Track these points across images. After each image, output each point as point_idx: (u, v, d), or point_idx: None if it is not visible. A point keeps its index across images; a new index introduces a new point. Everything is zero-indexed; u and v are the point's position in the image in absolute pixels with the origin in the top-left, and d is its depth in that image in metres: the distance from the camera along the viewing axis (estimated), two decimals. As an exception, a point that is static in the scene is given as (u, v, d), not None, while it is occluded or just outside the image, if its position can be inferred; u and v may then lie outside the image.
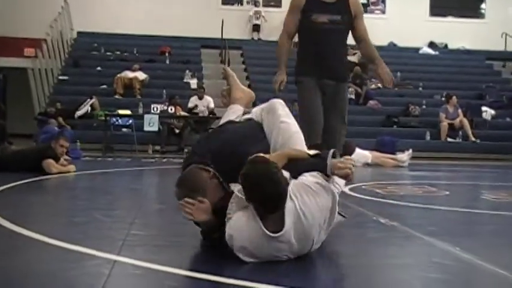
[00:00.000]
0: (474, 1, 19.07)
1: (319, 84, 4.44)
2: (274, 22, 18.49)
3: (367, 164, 9.73)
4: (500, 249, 3.07)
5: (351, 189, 5.65)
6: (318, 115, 4.39)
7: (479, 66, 17.29)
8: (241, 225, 2.61)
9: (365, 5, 18.64)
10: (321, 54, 4.44)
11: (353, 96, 14.94)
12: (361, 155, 9.85)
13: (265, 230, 2.56)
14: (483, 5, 19.25)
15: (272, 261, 2.57)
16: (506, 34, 17.23)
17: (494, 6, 18.74)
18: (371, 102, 14.68)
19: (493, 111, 14.76)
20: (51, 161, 6.69)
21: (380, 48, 16.39)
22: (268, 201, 2.55)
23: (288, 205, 2.61)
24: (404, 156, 10.11)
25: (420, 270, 2.72)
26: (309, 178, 2.73)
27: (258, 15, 18.45)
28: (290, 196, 2.63)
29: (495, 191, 5.81)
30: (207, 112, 13.37)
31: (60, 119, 12.27)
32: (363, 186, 6.12)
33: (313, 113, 4.40)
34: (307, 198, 2.66)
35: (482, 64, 17.41)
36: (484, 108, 14.62)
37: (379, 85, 14.87)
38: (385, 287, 2.54)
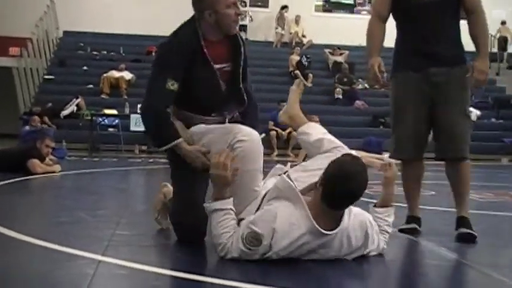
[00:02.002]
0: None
1: (422, 77, 3.41)
2: (261, 22, 18.56)
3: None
4: (485, 249, 3.09)
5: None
6: (407, 120, 3.45)
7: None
8: (285, 215, 2.55)
9: (351, 6, 18.73)
10: (421, 38, 3.46)
11: (340, 96, 15.01)
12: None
13: (316, 225, 2.53)
14: None
15: (256, 261, 2.56)
16: (491, 36, 17.36)
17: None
18: (358, 102, 14.74)
19: (478, 112, 14.87)
20: (36, 161, 6.64)
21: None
22: (349, 198, 2.54)
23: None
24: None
25: (406, 269, 2.72)
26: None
27: (245, 15, 18.43)
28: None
29: (481, 191, 5.84)
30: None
31: (46, 118, 12.20)
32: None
33: (400, 117, 3.49)
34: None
35: (467, 64, 17.50)
36: (469, 109, 14.70)
37: (366, 85, 14.96)
38: (371, 283, 2.54)
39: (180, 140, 2.92)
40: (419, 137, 3.44)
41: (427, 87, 3.38)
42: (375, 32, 3.56)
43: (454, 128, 3.37)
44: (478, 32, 3.38)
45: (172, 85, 2.88)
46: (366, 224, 2.68)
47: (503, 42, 18.31)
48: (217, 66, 2.97)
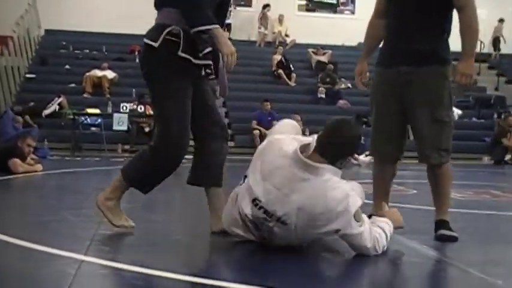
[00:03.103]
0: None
1: (393, 74, 3.29)
2: (244, 21, 18.55)
3: (369, 165, 9.80)
4: (465, 247, 3.11)
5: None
6: (379, 118, 3.40)
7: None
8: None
9: (334, 5, 18.79)
10: (396, 34, 3.32)
11: (323, 96, 15.05)
12: (363, 158, 10.03)
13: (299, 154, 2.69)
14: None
15: (244, 261, 2.56)
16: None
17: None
18: (340, 101, 14.78)
19: (459, 111, 14.99)
20: (17, 160, 6.59)
21: (350, 48, 16.65)
22: (339, 144, 2.75)
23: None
24: (366, 160, 10.18)
25: (388, 267, 2.74)
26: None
27: (229, 14, 18.39)
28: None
29: (462, 189, 5.88)
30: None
31: (27, 118, 12.09)
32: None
33: (374, 115, 3.45)
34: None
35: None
36: (447, 112, 14.80)
37: (349, 85, 15.01)
38: (354, 282, 2.55)
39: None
40: (390, 137, 3.35)
41: (398, 85, 3.26)
42: (369, 32, 3.52)
43: (421, 133, 3.26)
44: (463, 31, 3.21)
45: None
46: (346, 201, 2.69)
47: (497, 42, 18.54)
48: None
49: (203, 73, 3.12)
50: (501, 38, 18.58)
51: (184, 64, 3.00)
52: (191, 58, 3.01)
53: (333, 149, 2.75)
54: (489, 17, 18.05)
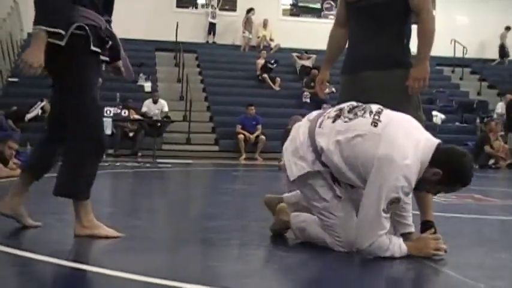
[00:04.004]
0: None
1: (352, 80, 3.33)
2: (229, 26, 18.57)
3: None
4: (448, 250, 3.12)
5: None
6: None
7: (429, 72, 17.67)
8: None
9: (319, 10, 18.87)
10: (355, 42, 3.37)
11: (308, 100, 15.09)
12: None
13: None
14: (433, 13, 19.73)
15: (226, 266, 2.55)
16: (454, 41, 17.68)
17: (443, 14, 19.21)
18: (325, 106, 14.78)
19: (443, 116, 15.13)
20: (-1, 164, 6.53)
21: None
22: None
23: None
24: None
25: (371, 269, 2.74)
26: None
27: (214, 15, 18.43)
28: None
29: (444, 193, 5.92)
30: (160, 116, 13.29)
31: (10, 122, 12.00)
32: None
33: None
34: None
35: (432, 69, 17.67)
36: (434, 113, 14.96)
37: (333, 89, 15.06)
38: (329, 283, 2.56)
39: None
40: None
41: (356, 91, 3.24)
42: (329, 42, 3.54)
43: None
44: (418, 35, 3.21)
45: None
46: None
47: (502, 49, 18.82)
48: None
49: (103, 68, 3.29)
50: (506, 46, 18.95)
51: (94, 57, 3.10)
52: (99, 51, 3.11)
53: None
54: (495, 25, 18.35)
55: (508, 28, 18.85)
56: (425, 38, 3.20)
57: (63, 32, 2.88)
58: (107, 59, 3.26)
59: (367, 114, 2.87)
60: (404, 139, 2.76)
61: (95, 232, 3.06)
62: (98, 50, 3.09)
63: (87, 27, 2.99)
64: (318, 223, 3.02)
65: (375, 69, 3.24)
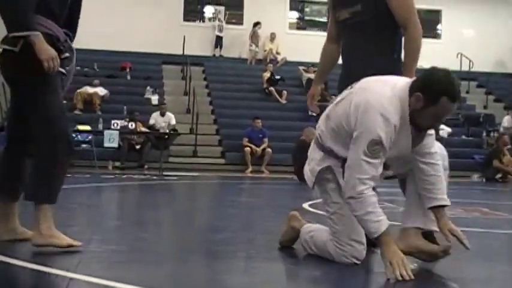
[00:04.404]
0: (431, 22, 19.52)
1: None
2: (236, 39, 18.64)
3: None
4: (453, 263, 3.10)
5: (310, 205, 5.68)
6: None
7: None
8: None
9: (325, 24, 18.91)
10: (347, 58, 3.48)
11: (314, 114, 15.08)
12: None
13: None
14: (439, 26, 19.80)
15: (230, 278, 2.53)
16: (461, 54, 17.70)
17: (450, 27, 19.29)
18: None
19: (449, 129, 15.10)
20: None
21: (340, 66, 16.83)
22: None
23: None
24: None
25: (378, 284, 2.73)
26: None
27: (221, 28, 18.51)
28: None
29: (451, 207, 5.88)
30: (167, 129, 13.33)
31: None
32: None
33: None
34: None
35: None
36: (440, 126, 14.93)
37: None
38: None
39: (39, 32, 2.86)
40: None
41: None
42: (321, 57, 3.64)
43: None
44: (405, 48, 3.28)
45: None
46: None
47: None
48: None
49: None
50: None
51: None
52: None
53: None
54: (502, 38, 18.37)
55: None
56: (412, 51, 3.22)
57: (39, 33, 2.86)
58: (63, 70, 3.13)
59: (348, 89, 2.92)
60: (378, 83, 2.76)
61: (54, 241, 2.97)
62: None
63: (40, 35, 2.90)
64: (325, 235, 3.01)
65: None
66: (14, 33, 2.85)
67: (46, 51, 2.85)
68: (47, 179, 3.01)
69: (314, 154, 2.99)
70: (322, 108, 3.72)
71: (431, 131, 2.85)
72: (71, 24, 3.21)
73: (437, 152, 2.90)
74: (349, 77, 3.32)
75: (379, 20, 3.26)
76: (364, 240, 2.92)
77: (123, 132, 12.28)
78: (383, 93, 2.68)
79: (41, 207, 3.02)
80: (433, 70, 2.71)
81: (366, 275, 2.84)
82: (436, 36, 19.76)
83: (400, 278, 2.53)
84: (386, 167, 2.83)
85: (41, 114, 2.99)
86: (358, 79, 3.22)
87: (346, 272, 2.85)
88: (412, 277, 2.54)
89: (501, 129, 15.09)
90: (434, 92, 2.63)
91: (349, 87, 2.93)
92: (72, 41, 3.23)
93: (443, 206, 2.86)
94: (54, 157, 2.98)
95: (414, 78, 2.79)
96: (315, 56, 4.27)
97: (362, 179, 2.66)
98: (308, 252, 3.15)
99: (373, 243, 3.27)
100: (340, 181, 2.87)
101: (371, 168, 2.66)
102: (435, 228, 2.91)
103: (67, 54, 3.13)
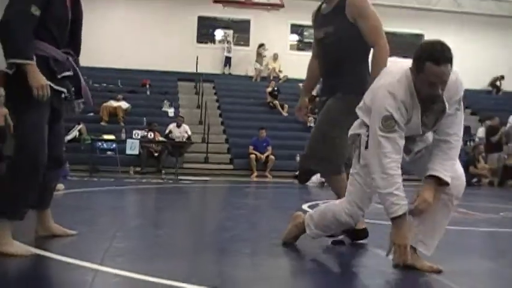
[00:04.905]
0: (414, 45, 19.49)
1: (323, 103, 3.54)
2: (242, 59, 18.71)
3: (322, 184, 9.81)
4: (436, 258, 3.10)
5: (309, 207, 5.69)
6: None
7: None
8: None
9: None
10: (324, 76, 3.52)
11: (312, 124, 15.08)
12: (316, 177, 10.08)
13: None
14: (387, 46, 19.81)
15: (247, 271, 2.54)
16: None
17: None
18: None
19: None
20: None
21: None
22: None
23: None
24: (317, 180, 10.24)
25: (368, 278, 2.74)
26: None
27: (230, 49, 18.60)
28: None
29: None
30: (184, 139, 13.38)
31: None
32: (319, 203, 6.14)
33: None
34: None
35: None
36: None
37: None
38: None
39: (34, 62, 2.77)
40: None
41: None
42: (307, 72, 3.68)
43: (309, 144, 3.42)
44: (372, 66, 3.28)
45: (35, 11, 2.80)
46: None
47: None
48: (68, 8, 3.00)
49: (63, 96, 3.06)
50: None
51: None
52: (48, 82, 2.88)
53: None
54: (482, 56, 18.39)
55: (501, 77, 19.25)
56: (378, 68, 3.17)
57: (33, 63, 2.78)
58: (63, 89, 3.06)
59: None
60: (394, 65, 2.76)
61: (4, 249, 2.78)
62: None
63: (34, 57, 2.81)
64: (331, 208, 3.05)
65: (330, 95, 3.41)
66: (9, 60, 2.78)
67: (38, 80, 2.78)
68: (9, 195, 2.82)
69: (357, 120, 2.95)
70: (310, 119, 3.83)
71: (451, 111, 2.66)
72: (73, 45, 3.15)
73: (456, 133, 2.70)
74: (330, 88, 3.42)
75: (351, 39, 3.29)
76: (365, 209, 2.97)
77: (143, 141, 12.30)
78: (395, 73, 2.64)
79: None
80: (423, 42, 2.68)
81: (365, 271, 2.84)
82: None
83: (398, 263, 2.65)
84: (407, 151, 2.75)
85: (16, 131, 2.90)
86: (335, 91, 3.37)
87: (347, 268, 2.85)
88: (408, 263, 2.63)
89: (476, 139, 15.04)
90: (418, 60, 2.54)
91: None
92: (75, 59, 3.16)
93: (438, 179, 2.67)
94: (16, 174, 2.81)
95: None
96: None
97: (384, 153, 2.58)
98: (310, 229, 3.15)
99: (360, 237, 3.30)
100: (362, 149, 2.83)
101: (389, 142, 2.58)
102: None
103: (68, 73, 3.07)
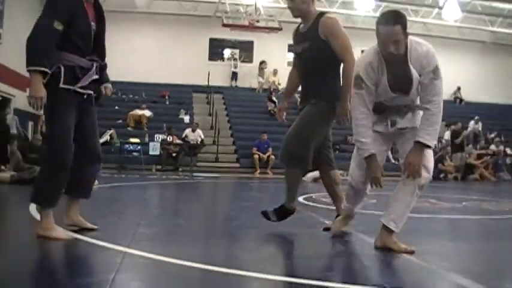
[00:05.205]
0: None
1: (300, 110, 3.49)
2: (247, 73, 18.73)
3: (316, 180, 9.80)
4: (410, 242, 3.10)
5: (304, 199, 5.68)
6: None
7: (349, 109, 17.63)
8: None
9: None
10: (302, 85, 3.47)
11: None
12: (311, 173, 10.02)
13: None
14: (354, 60, 19.71)
15: (260, 252, 2.54)
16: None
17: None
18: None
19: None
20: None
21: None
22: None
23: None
24: (311, 175, 10.20)
25: (353, 259, 2.74)
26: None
27: (236, 65, 18.67)
28: None
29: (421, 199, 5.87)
30: (198, 141, 13.39)
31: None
32: (313, 196, 6.15)
33: None
34: None
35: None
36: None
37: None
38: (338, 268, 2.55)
39: (46, 69, 2.66)
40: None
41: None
42: (288, 80, 3.63)
43: (285, 142, 3.35)
44: (342, 78, 3.25)
45: (58, 25, 2.69)
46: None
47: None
48: (91, 22, 2.89)
49: (85, 97, 2.96)
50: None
51: (67, 93, 2.82)
52: (72, 87, 2.82)
53: None
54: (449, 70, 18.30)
55: (458, 88, 19.12)
56: (347, 80, 3.14)
57: (48, 70, 2.69)
58: (89, 92, 2.96)
59: None
60: None
61: (48, 233, 2.77)
62: (70, 87, 2.82)
63: (62, 67, 2.77)
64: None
65: (306, 102, 3.36)
66: (27, 67, 2.69)
67: (36, 91, 2.66)
68: (41, 188, 2.81)
69: None
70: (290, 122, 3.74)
71: (426, 80, 2.61)
72: (98, 52, 3.01)
73: (434, 101, 2.65)
74: (306, 96, 3.40)
75: (324, 55, 3.25)
76: (363, 179, 2.93)
77: (163, 143, 12.34)
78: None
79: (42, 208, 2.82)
80: None
81: (351, 253, 2.84)
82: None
83: (373, 188, 2.84)
84: (392, 123, 2.80)
85: (46, 132, 2.85)
86: (310, 98, 3.35)
87: (336, 250, 2.85)
88: (382, 186, 2.74)
89: (444, 141, 15.06)
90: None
91: None
92: (101, 65, 3.04)
93: (422, 144, 2.65)
94: (47, 172, 2.80)
95: None
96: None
97: (354, 107, 2.75)
98: (344, 205, 3.22)
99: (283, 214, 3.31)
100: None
101: (358, 97, 2.71)
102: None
103: (96, 77, 2.97)
